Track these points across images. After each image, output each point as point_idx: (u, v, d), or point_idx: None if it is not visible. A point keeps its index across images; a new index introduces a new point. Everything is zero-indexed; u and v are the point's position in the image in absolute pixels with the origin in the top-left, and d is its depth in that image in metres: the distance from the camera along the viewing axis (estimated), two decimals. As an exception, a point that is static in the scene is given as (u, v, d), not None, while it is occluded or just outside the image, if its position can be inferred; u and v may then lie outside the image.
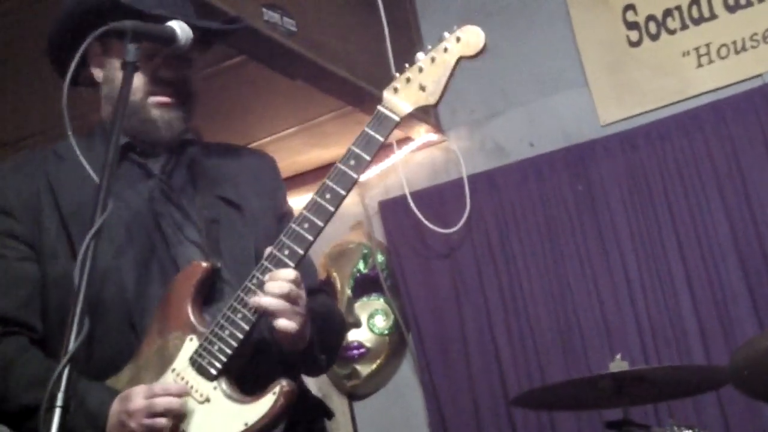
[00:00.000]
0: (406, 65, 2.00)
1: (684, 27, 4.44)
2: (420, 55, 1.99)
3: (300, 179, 5.13)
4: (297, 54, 3.78)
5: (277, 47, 3.69)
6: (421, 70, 1.97)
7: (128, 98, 1.91)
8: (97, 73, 2.17)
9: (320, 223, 1.92)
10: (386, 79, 4.34)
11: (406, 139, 4.83)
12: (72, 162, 2.05)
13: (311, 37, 3.87)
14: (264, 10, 3.58)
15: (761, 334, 3.55)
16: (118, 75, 2.01)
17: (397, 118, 1.97)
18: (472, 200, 4.70)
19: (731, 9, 4.35)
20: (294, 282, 1.90)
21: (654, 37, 4.51)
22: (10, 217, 2.08)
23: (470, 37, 1.97)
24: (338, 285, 4.93)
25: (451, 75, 1.97)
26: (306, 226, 1.92)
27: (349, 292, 4.91)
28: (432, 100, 1.97)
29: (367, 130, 1.98)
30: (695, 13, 4.42)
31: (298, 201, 5.16)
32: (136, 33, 1.91)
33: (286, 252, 1.91)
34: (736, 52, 4.32)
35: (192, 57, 2.18)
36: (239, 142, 4.55)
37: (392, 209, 4.92)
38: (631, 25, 4.56)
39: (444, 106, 4.85)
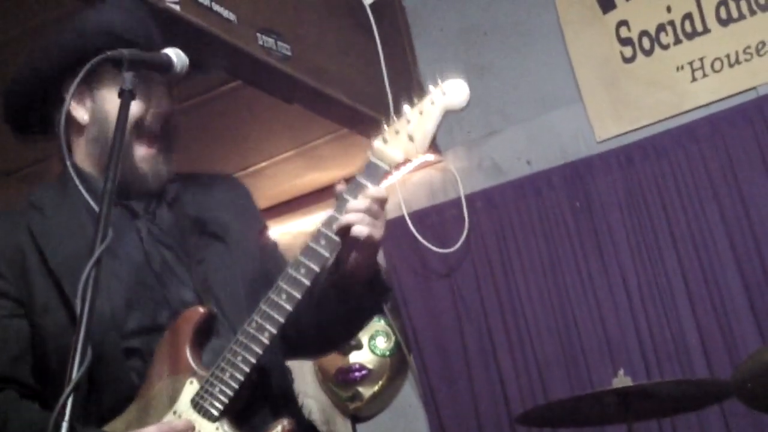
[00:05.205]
0: (395, 117, 2.05)
1: (677, 42, 4.46)
2: (407, 108, 2.02)
3: (297, 203, 5.13)
4: (293, 78, 3.79)
5: (273, 72, 3.70)
6: (409, 122, 2.01)
7: (125, 127, 1.89)
8: (81, 115, 2.14)
9: (316, 268, 1.95)
10: (382, 101, 4.37)
11: (404, 161, 4.83)
12: (52, 212, 2.08)
13: (307, 60, 3.89)
14: (259, 35, 3.59)
15: (764, 346, 3.55)
16: (112, 113, 1.99)
17: (387, 168, 2.01)
18: (471, 219, 4.70)
19: (724, 23, 4.37)
20: (377, 199, 1.97)
21: (648, 53, 4.52)
22: None
23: (455, 92, 2.02)
24: (338, 307, 4.92)
25: (438, 126, 2.02)
26: (302, 271, 1.94)
27: (349, 314, 4.89)
28: (420, 150, 2.03)
29: (359, 179, 2.00)
30: (688, 28, 4.44)
31: (295, 224, 5.18)
32: (132, 61, 1.91)
33: (284, 296, 1.94)
34: (730, 66, 4.33)
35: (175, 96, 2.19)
36: (236, 167, 4.61)
37: (391, 230, 4.87)
38: (625, 41, 4.57)
39: (440, 127, 4.87)
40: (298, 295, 1.94)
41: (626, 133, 4.53)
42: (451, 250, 4.71)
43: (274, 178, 4.81)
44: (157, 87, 2.13)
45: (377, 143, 2.02)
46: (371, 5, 4.39)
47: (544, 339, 4.48)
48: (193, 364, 1.96)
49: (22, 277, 2.04)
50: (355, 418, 5.03)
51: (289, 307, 1.93)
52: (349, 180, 2.02)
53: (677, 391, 3.46)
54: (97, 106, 2.12)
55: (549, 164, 4.65)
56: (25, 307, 2.04)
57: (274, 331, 1.92)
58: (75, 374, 1.55)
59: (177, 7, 3.13)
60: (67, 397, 1.52)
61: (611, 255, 4.40)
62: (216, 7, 3.35)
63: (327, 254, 1.95)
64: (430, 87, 2.03)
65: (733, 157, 4.22)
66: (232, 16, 3.43)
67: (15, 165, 3.97)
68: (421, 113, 2.01)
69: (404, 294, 4.83)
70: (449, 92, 2.01)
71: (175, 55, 2.01)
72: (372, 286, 2.10)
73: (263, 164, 4.67)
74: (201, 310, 2.02)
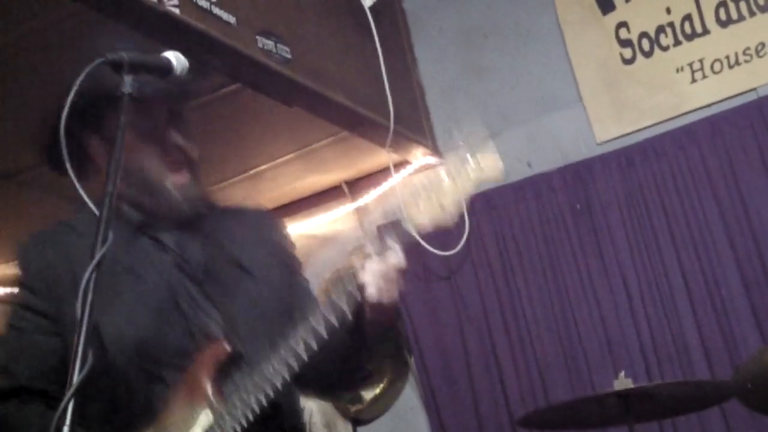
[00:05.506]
0: (430, 183, 2.07)
1: (677, 43, 4.46)
2: (444, 174, 2.03)
3: (297, 206, 5.13)
4: (292, 81, 3.78)
5: (273, 74, 3.70)
6: (442, 189, 2.03)
7: (124, 130, 1.89)
8: (102, 162, 2.14)
9: (335, 323, 2.01)
10: (382, 103, 4.35)
11: (404, 163, 4.83)
12: (88, 235, 2.09)
13: (306, 63, 3.88)
14: (258, 37, 3.59)
15: (764, 347, 3.55)
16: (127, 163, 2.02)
17: (413, 231, 2.06)
18: (471, 221, 4.70)
19: (723, 24, 4.37)
20: (396, 267, 2.06)
21: (647, 54, 4.52)
22: (31, 292, 2.13)
23: (492, 167, 2.03)
24: (339, 310, 4.92)
25: (469, 197, 2.03)
26: (322, 324, 2.01)
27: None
28: (449, 220, 2.03)
29: (386, 238, 2.07)
30: (688, 29, 4.44)
31: (295, 227, 5.16)
32: (132, 64, 1.90)
33: (302, 345, 2.00)
34: (730, 67, 4.33)
35: (185, 113, 2.21)
36: (237, 170, 4.61)
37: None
38: (625, 43, 4.57)
39: (440, 129, 4.86)
40: (315, 346, 2.00)
41: (626, 134, 4.53)
42: (452, 252, 4.70)
43: (275, 181, 4.81)
44: (161, 115, 2.16)
45: (409, 206, 2.06)
46: (371, 7, 4.38)
47: (545, 340, 4.48)
48: (211, 397, 2.03)
49: (57, 297, 2.10)
50: (356, 421, 5.01)
51: (305, 357, 2.00)
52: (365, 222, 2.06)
53: (678, 392, 3.46)
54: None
55: (549, 166, 4.65)
56: (58, 324, 2.09)
57: (287, 377, 1.99)
58: (75, 379, 1.55)
59: (176, 11, 3.13)
60: (68, 402, 1.52)
61: (611, 256, 4.40)
62: (215, 10, 3.34)
63: (347, 309, 2.02)
64: (468, 156, 2.04)
65: (733, 158, 4.23)
66: (231, 19, 3.43)
67: (15, 167, 3.97)
68: (455, 182, 2.03)
69: (405, 296, 4.82)
70: (485, 167, 2.02)
71: (175, 58, 2.01)
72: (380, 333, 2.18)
73: (263, 167, 4.66)
74: (227, 348, 2.09)
